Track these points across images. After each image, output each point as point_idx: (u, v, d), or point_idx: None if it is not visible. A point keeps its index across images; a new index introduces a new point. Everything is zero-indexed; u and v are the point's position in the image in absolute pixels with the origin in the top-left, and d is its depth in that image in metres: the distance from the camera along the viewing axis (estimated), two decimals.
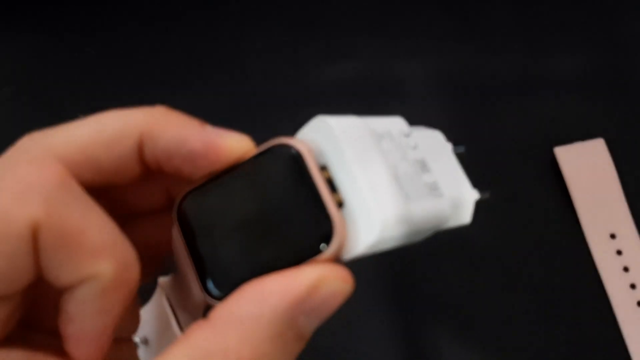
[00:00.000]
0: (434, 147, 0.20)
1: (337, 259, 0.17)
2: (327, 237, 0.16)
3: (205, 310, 0.20)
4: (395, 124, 0.19)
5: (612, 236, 0.37)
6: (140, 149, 0.19)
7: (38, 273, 0.16)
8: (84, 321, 0.17)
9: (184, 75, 0.43)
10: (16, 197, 0.16)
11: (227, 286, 0.18)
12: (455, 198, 0.19)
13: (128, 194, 0.21)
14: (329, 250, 0.16)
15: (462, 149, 0.21)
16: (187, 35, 0.44)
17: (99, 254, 0.16)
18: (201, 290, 0.19)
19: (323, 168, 0.17)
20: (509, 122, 0.41)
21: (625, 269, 0.37)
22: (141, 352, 0.23)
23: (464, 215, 0.20)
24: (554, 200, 0.39)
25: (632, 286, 0.36)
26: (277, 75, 0.42)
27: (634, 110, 0.41)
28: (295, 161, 0.17)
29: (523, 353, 0.36)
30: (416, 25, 0.44)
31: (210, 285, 0.18)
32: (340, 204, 0.17)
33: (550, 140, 0.39)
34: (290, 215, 0.17)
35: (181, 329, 0.21)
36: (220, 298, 0.18)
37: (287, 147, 0.17)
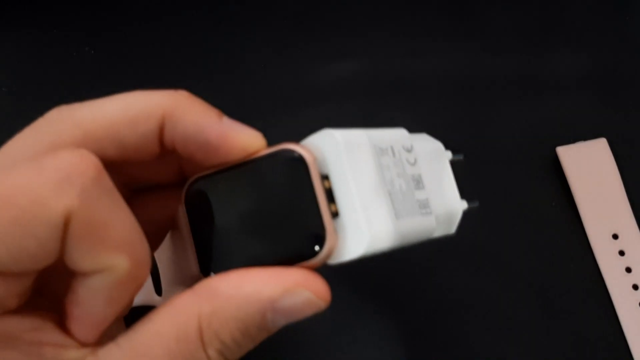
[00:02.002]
0: (431, 160, 0.21)
1: (324, 263, 0.18)
2: (319, 244, 0.18)
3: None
4: (398, 136, 0.20)
5: (615, 236, 0.37)
6: (161, 130, 0.20)
7: (60, 255, 0.18)
8: (92, 307, 0.18)
9: (183, 74, 0.43)
10: (56, 185, 0.17)
11: (221, 269, 0.20)
12: (443, 213, 0.21)
13: (142, 168, 0.22)
14: (317, 256, 0.18)
15: (460, 157, 0.21)
16: (186, 34, 0.44)
17: (119, 248, 0.18)
18: (197, 268, 0.20)
19: (325, 177, 0.18)
20: (511, 122, 0.41)
21: (628, 270, 0.37)
22: None
23: (450, 227, 0.22)
24: (556, 200, 0.39)
25: (635, 287, 0.36)
26: (277, 74, 0.42)
27: (637, 109, 0.41)
28: (300, 167, 0.18)
29: (524, 354, 0.36)
30: (417, 24, 0.43)
31: (206, 265, 0.20)
32: (335, 214, 0.18)
33: (552, 139, 0.39)
34: (287, 216, 0.18)
35: (160, 291, 0.24)
36: None
37: (294, 153, 0.18)
